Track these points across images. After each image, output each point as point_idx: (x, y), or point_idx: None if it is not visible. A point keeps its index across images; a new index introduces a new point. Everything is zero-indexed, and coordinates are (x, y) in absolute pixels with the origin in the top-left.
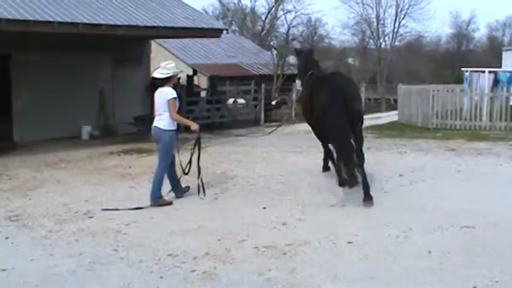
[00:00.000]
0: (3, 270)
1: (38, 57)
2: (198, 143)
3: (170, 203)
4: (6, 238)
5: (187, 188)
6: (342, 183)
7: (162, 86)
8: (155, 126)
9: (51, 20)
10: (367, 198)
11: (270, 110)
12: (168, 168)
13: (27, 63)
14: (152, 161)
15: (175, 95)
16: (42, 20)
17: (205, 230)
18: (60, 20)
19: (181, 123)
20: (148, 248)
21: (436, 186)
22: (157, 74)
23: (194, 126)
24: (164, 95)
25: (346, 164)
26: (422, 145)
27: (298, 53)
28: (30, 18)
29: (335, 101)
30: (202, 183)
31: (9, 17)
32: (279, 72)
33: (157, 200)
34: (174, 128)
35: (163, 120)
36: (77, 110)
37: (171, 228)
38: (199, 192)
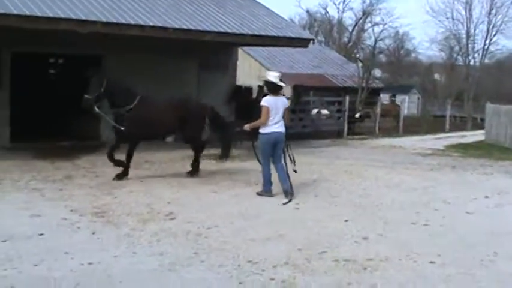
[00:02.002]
0: (90, 263)
1: (128, 59)
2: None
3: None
4: (93, 233)
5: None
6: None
7: (274, 92)
8: (279, 132)
9: (143, 23)
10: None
11: (353, 123)
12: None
13: (118, 65)
14: (233, 167)
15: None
16: (134, 23)
17: (285, 238)
18: (152, 24)
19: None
20: (229, 253)
21: None
22: (274, 79)
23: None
24: (284, 103)
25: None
26: (510, 167)
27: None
28: (124, 21)
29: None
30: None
31: (104, 19)
32: (363, 85)
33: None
34: None
35: (282, 125)
36: None
37: (251, 235)
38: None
